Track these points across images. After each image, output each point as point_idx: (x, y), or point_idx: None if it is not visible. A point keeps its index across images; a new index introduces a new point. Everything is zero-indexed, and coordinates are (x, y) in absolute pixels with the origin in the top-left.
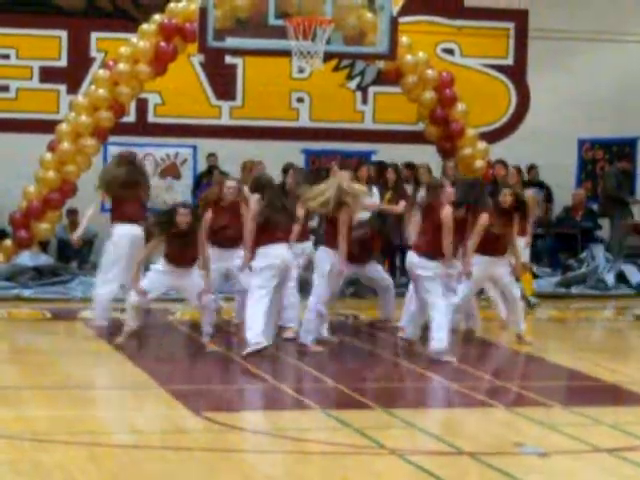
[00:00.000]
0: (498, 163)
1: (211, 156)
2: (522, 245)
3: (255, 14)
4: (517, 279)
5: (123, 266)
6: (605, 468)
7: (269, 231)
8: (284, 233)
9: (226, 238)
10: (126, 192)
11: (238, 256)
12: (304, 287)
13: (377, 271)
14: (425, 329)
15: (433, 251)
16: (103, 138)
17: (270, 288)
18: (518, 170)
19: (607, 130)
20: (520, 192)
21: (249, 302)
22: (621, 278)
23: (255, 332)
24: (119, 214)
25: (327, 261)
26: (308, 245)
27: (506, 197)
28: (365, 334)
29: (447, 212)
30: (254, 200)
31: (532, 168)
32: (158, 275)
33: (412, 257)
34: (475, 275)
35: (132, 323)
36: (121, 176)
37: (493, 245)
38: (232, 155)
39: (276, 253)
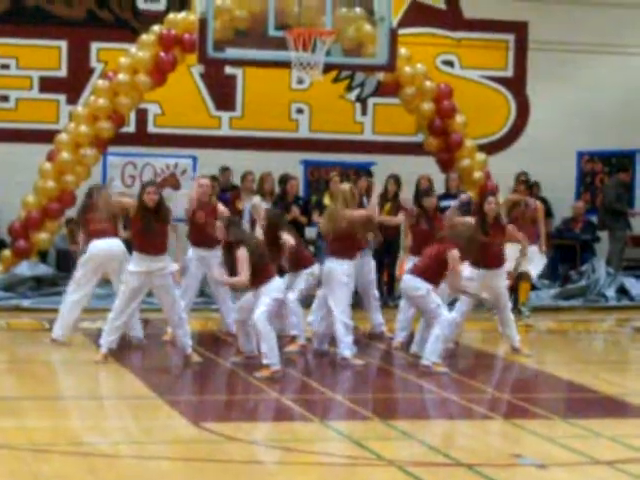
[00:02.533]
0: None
1: (225, 170)
2: (533, 251)
3: (255, 25)
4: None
5: (93, 282)
6: None
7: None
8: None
9: (205, 237)
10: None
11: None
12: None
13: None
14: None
15: (426, 276)
16: (103, 148)
17: None
18: (526, 183)
19: (606, 142)
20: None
21: (265, 325)
22: (622, 290)
23: (275, 355)
24: (92, 230)
25: (340, 272)
26: (316, 267)
27: (490, 205)
28: (363, 345)
29: (454, 254)
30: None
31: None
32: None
33: (406, 280)
34: (473, 290)
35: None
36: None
37: (487, 257)
38: (231, 166)
39: None
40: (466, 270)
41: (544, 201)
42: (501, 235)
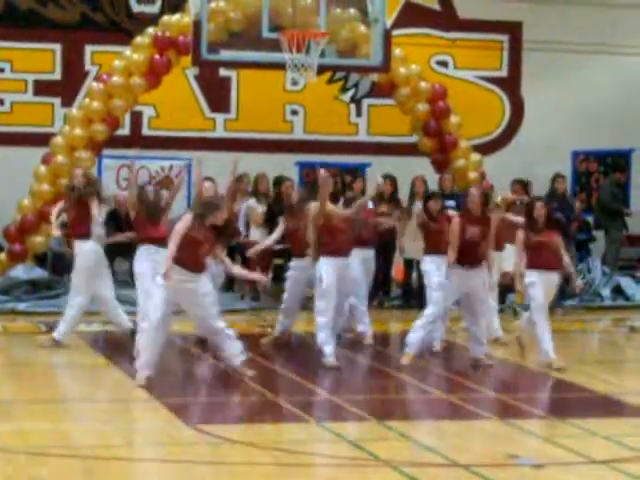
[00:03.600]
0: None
1: (244, 177)
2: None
3: (249, 27)
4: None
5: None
6: None
7: None
8: None
9: None
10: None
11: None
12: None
13: None
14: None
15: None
16: (97, 151)
17: None
18: (524, 185)
19: (601, 142)
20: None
21: None
22: (617, 290)
23: None
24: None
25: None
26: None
27: (540, 210)
28: (360, 346)
29: (453, 222)
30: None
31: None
32: None
33: None
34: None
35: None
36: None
37: (542, 258)
38: (226, 168)
39: None
40: (527, 274)
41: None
42: (554, 236)
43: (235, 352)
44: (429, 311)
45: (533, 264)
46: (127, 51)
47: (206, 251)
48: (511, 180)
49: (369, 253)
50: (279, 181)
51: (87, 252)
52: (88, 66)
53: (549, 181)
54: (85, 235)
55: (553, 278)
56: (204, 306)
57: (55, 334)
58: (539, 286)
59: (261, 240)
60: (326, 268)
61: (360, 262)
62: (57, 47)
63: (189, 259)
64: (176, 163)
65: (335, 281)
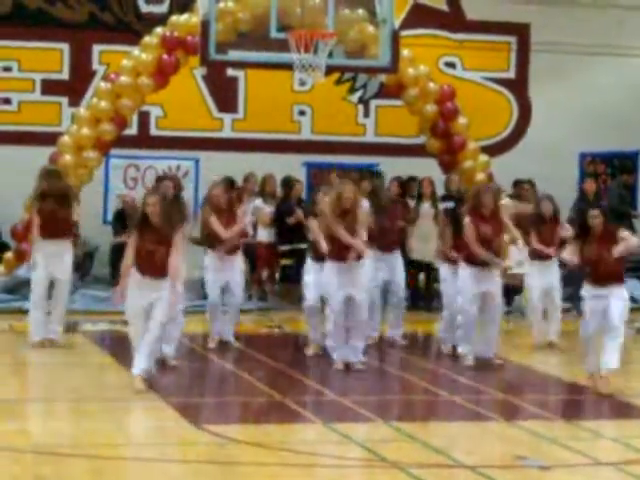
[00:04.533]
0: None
1: (251, 177)
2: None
3: (257, 27)
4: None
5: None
6: None
7: None
8: None
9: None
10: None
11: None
12: None
13: None
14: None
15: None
16: (105, 151)
17: None
18: (532, 185)
19: (609, 144)
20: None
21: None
22: None
23: None
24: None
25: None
26: None
27: (595, 220)
28: (368, 348)
29: (466, 221)
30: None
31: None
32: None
33: None
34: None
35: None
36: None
37: (600, 274)
38: (233, 168)
39: None
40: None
41: None
42: (612, 247)
43: (141, 362)
44: (459, 321)
45: (588, 280)
46: (135, 51)
47: (161, 255)
48: (513, 181)
49: (394, 256)
50: (287, 181)
51: (71, 252)
52: (96, 66)
53: (555, 183)
54: (71, 235)
55: (616, 292)
56: (160, 309)
57: (52, 335)
58: (589, 304)
59: (268, 240)
60: (330, 273)
61: (384, 266)
62: (65, 46)
63: (147, 267)
64: (183, 163)
65: (338, 286)
